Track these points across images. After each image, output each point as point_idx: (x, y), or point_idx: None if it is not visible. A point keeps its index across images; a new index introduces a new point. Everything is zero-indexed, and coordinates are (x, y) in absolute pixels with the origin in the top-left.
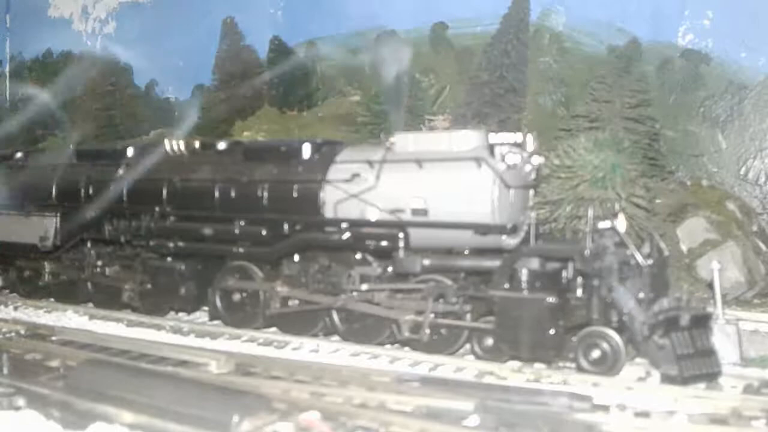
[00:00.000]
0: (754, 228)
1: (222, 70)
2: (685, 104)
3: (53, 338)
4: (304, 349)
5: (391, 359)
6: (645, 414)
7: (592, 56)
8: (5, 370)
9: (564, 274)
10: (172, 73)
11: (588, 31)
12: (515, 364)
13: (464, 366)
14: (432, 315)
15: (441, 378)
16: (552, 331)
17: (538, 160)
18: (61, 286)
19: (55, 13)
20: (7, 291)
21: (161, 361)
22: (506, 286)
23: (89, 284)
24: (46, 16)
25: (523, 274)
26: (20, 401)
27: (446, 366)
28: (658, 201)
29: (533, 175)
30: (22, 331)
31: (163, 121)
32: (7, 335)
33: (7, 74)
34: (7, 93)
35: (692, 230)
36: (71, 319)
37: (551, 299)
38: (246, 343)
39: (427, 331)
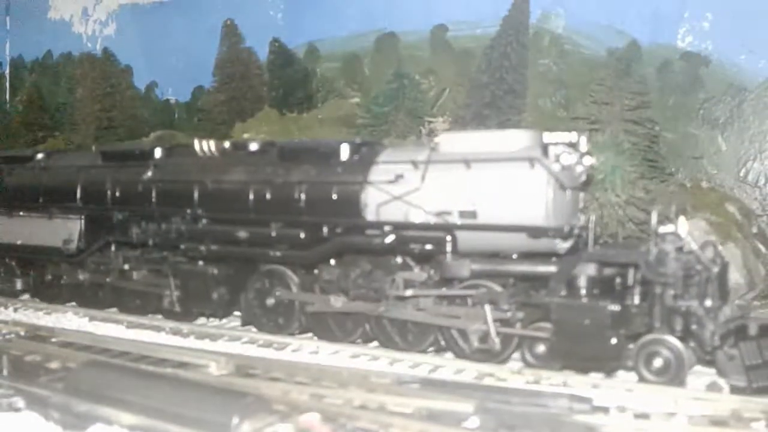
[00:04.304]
0: (754, 230)
1: (222, 71)
2: (684, 106)
3: (53, 340)
4: (303, 350)
5: (391, 361)
6: (645, 416)
7: (592, 58)
8: (5, 372)
9: (617, 280)
10: (172, 74)
11: (588, 33)
12: (515, 365)
13: (464, 368)
14: (498, 323)
15: (441, 380)
16: (614, 340)
17: (590, 160)
18: (84, 290)
19: (55, 15)
20: (28, 295)
21: (161, 362)
22: (563, 292)
23: (115, 289)
24: (46, 18)
25: (582, 281)
26: (20, 403)
27: (446, 368)
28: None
29: (584, 177)
30: (22, 333)
31: (164, 123)
32: (7, 337)
33: (8, 76)
34: (7, 94)
35: (692, 232)
36: (71, 320)
37: (614, 307)
38: (246, 344)
39: (497, 339)
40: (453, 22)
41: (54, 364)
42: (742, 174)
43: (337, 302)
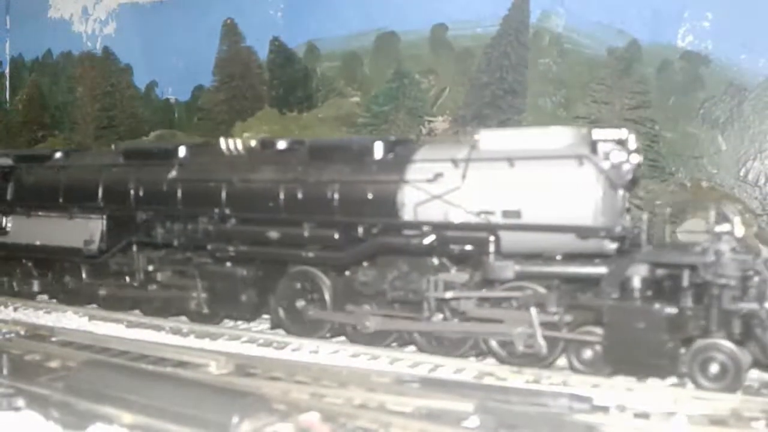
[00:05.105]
0: (754, 229)
1: (222, 71)
2: (684, 106)
3: (53, 339)
4: (303, 349)
5: (391, 360)
6: (644, 415)
7: (592, 58)
8: (5, 371)
9: (667, 281)
10: (172, 73)
11: (588, 32)
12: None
13: (464, 367)
14: (543, 326)
15: (441, 379)
16: (670, 345)
17: (637, 158)
18: (106, 292)
19: (55, 14)
20: (47, 297)
21: (161, 361)
22: (615, 295)
23: (138, 291)
24: (46, 17)
25: (636, 282)
26: (20, 402)
27: (446, 367)
28: (658, 202)
29: (630, 175)
30: (22, 332)
31: (164, 122)
32: (7, 336)
33: (8, 75)
34: (7, 93)
35: (692, 231)
36: (71, 319)
37: (670, 310)
38: (246, 344)
39: (543, 343)
40: (453, 22)
41: (54, 363)
42: (742, 173)
43: (372, 323)
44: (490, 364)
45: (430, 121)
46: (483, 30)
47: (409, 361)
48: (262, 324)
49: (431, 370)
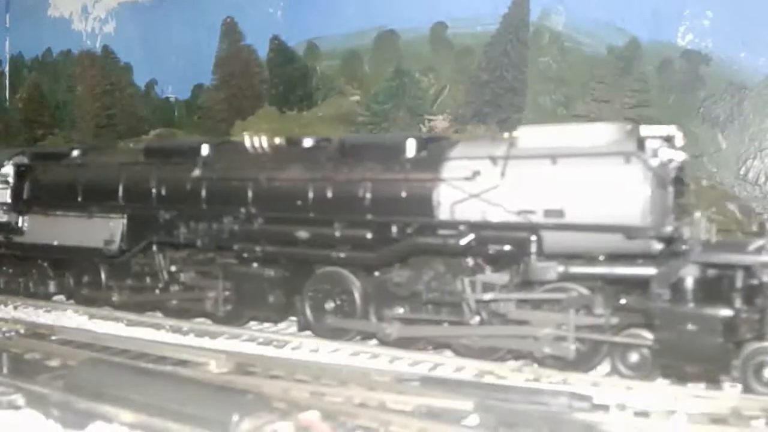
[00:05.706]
0: (754, 228)
1: (222, 69)
2: (684, 104)
3: (53, 337)
4: (303, 348)
5: (391, 359)
6: (645, 413)
7: (592, 56)
8: (5, 370)
9: (716, 283)
10: (171, 72)
11: (588, 31)
12: (515, 363)
13: (464, 365)
14: (586, 329)
15: (441, 377)
16: (724, 348)
17: (682, 156)
18: (125, 293)
19: (55, 13)
20: (64, 298)
21: (161, 360)
22: (666, 296)
23: (160, 292)
24: (46, 16)
25: (689, 284)
26: (20, 400)
27: (446, 365)
28: None
29: (674, 173)
30: (22, 331)
31: (163, 121)
32: (8, 334)
33: (7, 74)
34: (7, 92)
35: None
36: (71, 318)
37: (726, 312)
38: (245, 342)
39: (572, 347)
40: (453, 20)
41: (54, 362)
42: (742, 172)
43: (392, 331)
44: (490, 363)
45: (430, 120)
46: (483, 28)
47: (409, 360)
48: (262, 323)
49: (431, 368)
